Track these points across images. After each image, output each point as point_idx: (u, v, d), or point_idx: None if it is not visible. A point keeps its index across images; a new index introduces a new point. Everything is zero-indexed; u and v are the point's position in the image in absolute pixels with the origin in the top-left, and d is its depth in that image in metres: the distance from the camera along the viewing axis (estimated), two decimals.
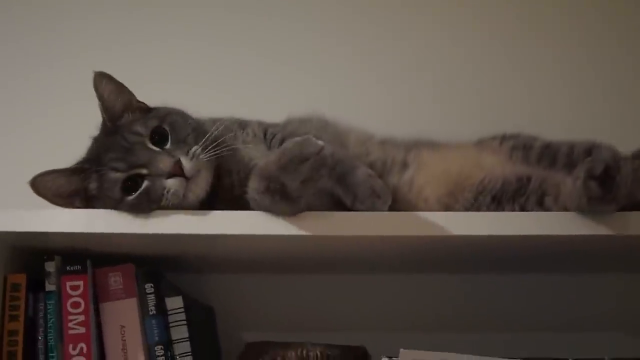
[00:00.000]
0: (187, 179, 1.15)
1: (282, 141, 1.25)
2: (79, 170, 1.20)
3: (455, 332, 1.48)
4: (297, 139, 1.09)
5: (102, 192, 1.18)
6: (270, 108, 1.35)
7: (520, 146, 1.31)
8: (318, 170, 1.08)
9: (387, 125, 1.40)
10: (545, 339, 1.46)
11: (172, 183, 1.15)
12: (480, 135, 1.39)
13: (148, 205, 1.15)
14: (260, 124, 1.31)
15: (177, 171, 1.15)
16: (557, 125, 1.43)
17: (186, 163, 1.16)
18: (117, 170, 1.17)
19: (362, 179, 1.16)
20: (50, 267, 1.18)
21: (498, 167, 1.24)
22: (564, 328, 1.48)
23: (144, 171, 1.16)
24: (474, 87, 1.61)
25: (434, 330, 1.49)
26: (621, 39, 1.63)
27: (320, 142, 1.07)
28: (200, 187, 1.17)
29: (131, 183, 1.16)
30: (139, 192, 1.15)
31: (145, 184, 1.16)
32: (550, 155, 1.28)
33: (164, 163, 1.15)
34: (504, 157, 1.30)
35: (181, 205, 1.16)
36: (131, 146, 1.18)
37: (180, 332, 1.20)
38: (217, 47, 1.64)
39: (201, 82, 1.59)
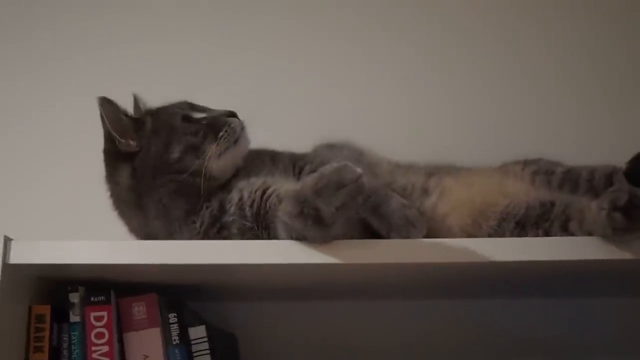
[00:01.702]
0: (242, 125, 1.27)
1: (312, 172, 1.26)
2: (140, 119, 1.28)
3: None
4: (335, 164, 1.07)
5: (160, 123, 1.26)
6: (290, 131, 1.37)
7: (542, 171, 1.31)
8: (354, 198, 1.06)
9: (407, 148, 1.41)
10: None
11: (233, 119, 1.26)
12: (502, 158, 1.39)
13: (205, 136, 1.23)
14: (290, 156, 1.33)
15: (235, 115, 1.28)
16: (577, 148, 1.43)
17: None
18: (178, 107, 1.26)
19: (396, 208, 1.16)
20: (75, 298, 1.18)
21: (522, 193, 1.23)
22: (587, 352, 1.47)
23: (203, 115, 1.26)
24: (495, 111, 1.62)
25: (462, 356, 1.48)
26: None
27: (358, 170, 1.06)
28: (247, 141, 1.28)
29: (191, 119, 1.26)
30: (201, 121, 1.25)
31: (205, 122, 1.25)
32: (572, 180, 1.28)
33: (223, 110, 1.28)
34: (526, 182, 1.30)
35: (229, 151, 1.24)
36: (189, 103, 1.31)
37: None
38: (238, 67, 1.67)
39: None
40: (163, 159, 1.23)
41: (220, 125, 1.25)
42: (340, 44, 1.68)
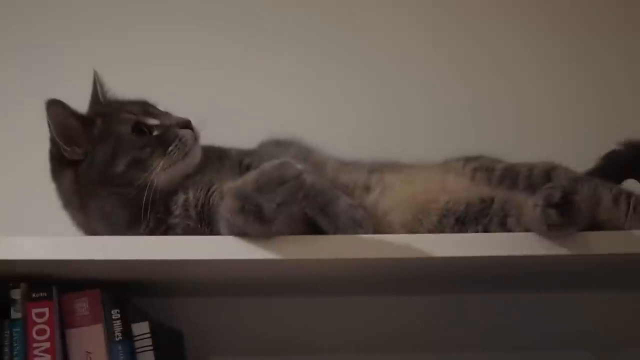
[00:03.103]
0: (195, 137, 1.24)
1: None
2: (90, 119, 1.26)
3: (429, 352, 1.51)
4: (276, 161, 1.08)
5: (108, 130, 1.24)
6: (240, 127, 1.38)
7: (483, 168, 1.32)
8: (295, 194, 1.07)
9: (351, 145, 1.41)
10: (512, 358, 1.48)
11: (185, 132, 1.24)
12: (444, 155, 1.40)
13: (152, 151, 1.21)
14: (237, 153, 1.33)
15: (189, 125, 1.25)
16: (517, 145, 1.45)
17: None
18: (130, 112, 1.25)
19: (344, 209, 1.17)
20: (16, 294, 1.17)
21: (462, 189, 1.25)
22: (529, 347, 1.50)
23: (156, 122, 1.25)
24: (438, 109, 1.64)
25: (409, 351, 1.50)
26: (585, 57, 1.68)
27: (299, 166, 1.07)
28: (198, 152, 1.25)
29: (141, 131, 1.24)
30: (152, 130, 1.24)
31: (156, 132, 1.24)
32: (511, 177, 1.29)
33: (177, 118, 1.26)
34: (467, 179, 1.31)
35: (178, 164, 1.22)
36: (144, 105, 1.29)
37: (147, 357, 1.19)
38: (191, 65, 1.67)
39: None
40: (107, 171, 1.22)
41: (170, 140, 1.23)
42: (289, 41, 1.68)
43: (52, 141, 1.25)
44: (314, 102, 1.64)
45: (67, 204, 1.27)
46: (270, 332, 1.50)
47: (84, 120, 1.26)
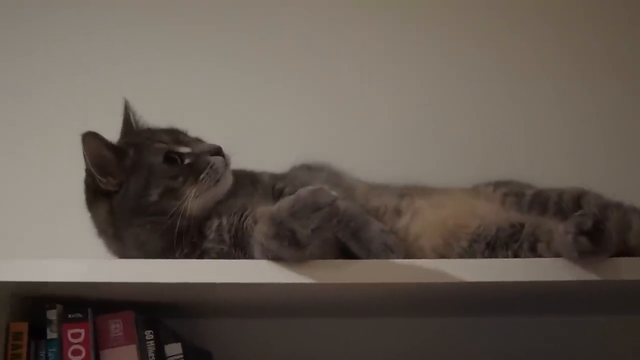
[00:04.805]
0: (226, 163, 1.25)
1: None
2: (123, 150, 1.27)
3: None
4: (311, 187, 1.10)
5: (141, 160, 1.25)
6: (265, 151, 1.39)
7: (513, 193, 1.33)
8: (329, 220, 1.09)
9: (382, 169, 1.43)
10: None
11: (216, 159, 1.25)
12: (474, 180, 1.41)
13: (185, 180, 1.22)
14: (269, 178, 1.35)
15: (220, 152, 1.26)
16: (550, 171, 1.46)
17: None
18: (162, 142, 1.26)
19: (376, 234, 1.19)
20: (52, 315, 1.19)
21: (492, 214, 1.25)
22: None
23: (187, 149, 1.26)
24: (469, 133, 1.64)
25: None
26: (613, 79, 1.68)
27: (333, 193, 1.09)
28: (230, 178, 1.27)
29: (172, 159, 1.25)
30: (184, 159, 1.25)
31: (187, 160, 1.25)
32: (541, 202, 1.30)
33: (208, 145, 1.28)
34: (497, 204, 1.32)
35: (210, 191, 1.24)
36: (175, 133, 1.31)
37: None
38: (221, 87, 1.67)
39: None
40: (141, 201, 1.23)
41: (201, 168, 1.24)
42: (318, 66, 1.69)
43: (88, 172, 1.26)
44: (346, 126, 1.65)
45: (102, 232, 1.29)
46: (298, 353, 1.51)
47: (118, 151, 1.26)
